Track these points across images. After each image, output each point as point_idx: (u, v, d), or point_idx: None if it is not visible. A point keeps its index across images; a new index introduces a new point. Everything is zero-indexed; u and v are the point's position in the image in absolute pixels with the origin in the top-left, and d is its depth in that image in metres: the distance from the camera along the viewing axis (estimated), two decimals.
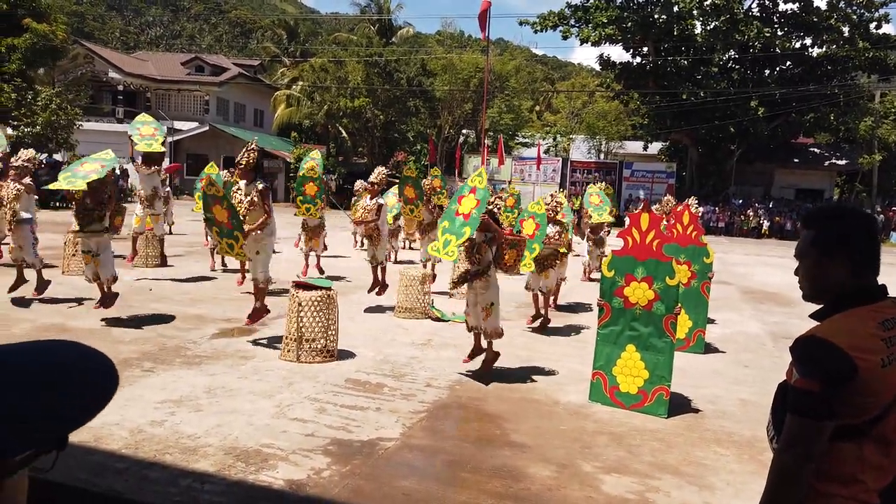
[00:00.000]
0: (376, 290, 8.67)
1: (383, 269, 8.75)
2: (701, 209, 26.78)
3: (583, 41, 29.84)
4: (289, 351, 6.16)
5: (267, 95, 38.95)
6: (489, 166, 29.84)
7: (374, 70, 30.74)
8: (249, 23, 74.24)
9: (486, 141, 29.89)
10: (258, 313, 6.81)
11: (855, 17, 28.17)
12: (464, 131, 33.71)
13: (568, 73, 70.84)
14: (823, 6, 28.66)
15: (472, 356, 6.20)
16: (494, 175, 30.77)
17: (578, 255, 12.72)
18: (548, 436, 4.71)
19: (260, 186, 6.73)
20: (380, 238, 8.56)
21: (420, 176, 30.02)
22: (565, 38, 30.67)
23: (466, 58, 32.63)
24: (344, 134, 32.52)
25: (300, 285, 6.48)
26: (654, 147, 34.72)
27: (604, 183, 12.57)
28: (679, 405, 5.43)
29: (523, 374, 6.17)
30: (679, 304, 5.45)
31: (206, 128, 33.31)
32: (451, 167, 30.88)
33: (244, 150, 6.89)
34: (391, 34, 36.60)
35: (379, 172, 8.69)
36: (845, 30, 28.28)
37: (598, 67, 35.23)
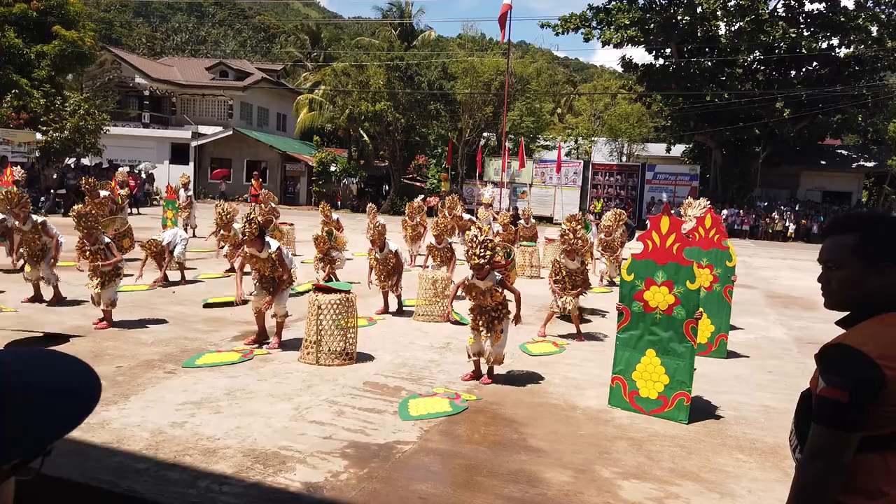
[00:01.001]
0: (384, 311, 8.69)
1: (398, 297, 8.76)
2: (725, 212, 26.45)
3: (605, 43, 29.66)
4: (308, 353, 6.20)
5: (290, 99, 39.32)
6: (510, 169, 29.80)
7: (396, 74, 30.87)
8: (273, 28, 74.98)
9: (506, 144, 29.85)
10: (277, 337, 6.80)
11: (883, 16, 27.60)
12: (485, 134, 33.63)
13: (590, 75, 70.51)
14: (851, 6, 28.15)
15: (474, 376, 5.99)
16: (515, 178, 30.72)
17: (598, 259, 12.61)
18: (565, 441, 4.68)
19: (274, 251, 6.51)
20: (397, 275, 8.59)
21: (446, 182, 30.03)
22: (587, 40, 30.55)
23: (487, 61, 32.57)
24: (365, 137, 32.68)
25: (320, 288, 6.52)
26: (678, 149, 34.35)
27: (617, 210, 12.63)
28: (700, 411, 5.36)
29: (541, 379, 6.14)
30: (700, 309, 5.38)
31: (230, 132, 33.72)
32: (473, 170, 30.87)
33: (244, 223, 6.57)
34: (413, 38, 36.75)
35: (376, 227, 8.39)
36: (873, 29, 27.69)
37: (620, 69, 35.01)
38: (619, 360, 5.48)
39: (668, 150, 33.86)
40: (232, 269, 11.45)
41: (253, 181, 23.72)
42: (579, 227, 9.55)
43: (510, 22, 24.66)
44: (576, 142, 36.73)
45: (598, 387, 5.78)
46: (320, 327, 6.16)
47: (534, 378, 6.14)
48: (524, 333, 7.72)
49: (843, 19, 27.70)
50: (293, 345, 6.64)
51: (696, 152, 33.43)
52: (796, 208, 28.06)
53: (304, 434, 4.52)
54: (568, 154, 34.90)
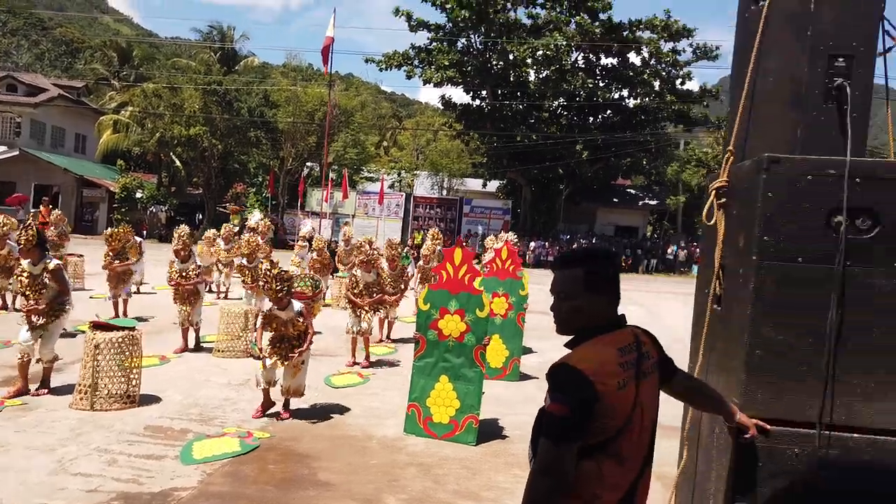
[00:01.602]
0: (183, 349, 8.13)
1: (197, 331, 8.26)
2: (532, 244, 28.43)
3: (426, 82, 30.82)
4: (81, 399, 5.61)
5: (91, 119, 36.02)
6: (333, 199, 29.67)
7: (213, 98, 29.63)
8: (77, 42, 68.53)
9: (330, 174, 29.75)
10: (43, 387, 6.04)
11: (664, 73, 31.61)
12: (308, 164, 33.30)
13: (415, 110, 72.72)
14: (638, 63, 31.93)
15: (264, 410, 5.79)
16: (338, 208, 30.63)
17: (413, 289, 12.90)
18: (358, 472, 4.67)
19: (51, 266, 5.97)
20: (198, 299, 8.16)
21: (261, 207, 29.11)
22: (409, 77, 31.51)
23: (311, 91, 32.46)
24: (177, 163, 30.84)
25: (98, 326, 5.97)
26: (493, 185, 36.44)
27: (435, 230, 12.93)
28: (489, 432, 5.63)
29: (344, 410, 6.10)
30: (488, 336, 5.71)
31: (16, 152, 30.05)
32: (294, 200, 30.30)
33: (20, 229, 6.10)
34: (234, 63, 35.61)
35: (180, 236, 8.17)
36: (656, 84, 31.60)
37: (441, 107, 36.52)
38: (415, 387, 5.62)
39: (485, 185, 35.79)
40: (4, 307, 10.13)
41: (41, 207, 21.28)
42: (395, 252, 9.77)
43: (332, 55, 24.82)
44: (399, 175, 37.58)
45: (397, 415, 5.86)
46: (97, 368, 5.62)
47: (335, 410, 6.09)
48: (329, 365, 7.66)
49: (631, 74, 31.32)
50: (66, 390, 5.97)
51: (509, 188, 35.67)
52: (593, 241, 30.91)
53: (63, 489, 4.07)
54: (391, 186, 35.59)
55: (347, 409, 6.14)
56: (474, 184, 37.09)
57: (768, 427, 2.54)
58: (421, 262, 12.02)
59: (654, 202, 35.13)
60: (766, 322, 2.59)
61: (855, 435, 2.58)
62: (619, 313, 2.07)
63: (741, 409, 2.53)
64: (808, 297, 2.55)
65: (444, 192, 36.66)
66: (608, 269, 2.05)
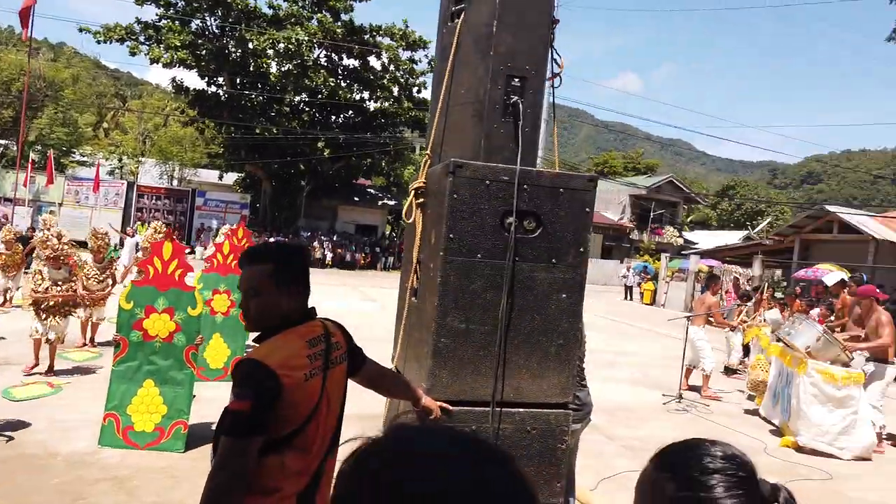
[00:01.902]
0: None
1: None
2: (272, 240, 27.74)
3: (153, 61, 28.13)
4: None
5: None
6: (34, 184, 25.63)
7: None
8: None
9: (31, 155, 25.63)
10: None
11: (402, 80, 33.04)
12: (2, 142, 28.24)
13: (143, 91, 66.22)
14: (379, 67, 32.91)
15: None
16: (41, 196, 26.55)
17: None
18: (33, 494, 4.07)
19: None
20: None
21: None
22: (133, 54, 28.46)
23: (7, 57, 27.66)
24: None
25: None
26: (230, 177, 34.70)
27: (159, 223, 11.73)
28: (202, 437, 5.30)
29: (23, 426, 5.28)
30: (201, 335, 5.40)
31: None
32: None
33: None
34: None
35: None
36: (395, 90, 32.88)
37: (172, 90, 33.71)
38: (114, 394, 5.08)
39: (221, 177, 33.95)
40: None
41: None
42: (102, 243, 8.70)
43: (33, 17, 21.37)
44: (120, 160, 33.85)
45: (93, 426, 5.23)
46: None
47: (10, 427, 5.23)
48: (12, 376, 6.59)
49: (372, 77, 32.18)
50: None
51: (248, 182, 34.29)
52: (334, 238, 31.20)
53: None
54: (111, 173, 31.90)
55: (28, 425, 5.32)
56: (209, 175, 34.95)
57: (451, 408, 2.77)
58: (140, 254, 11.04)
59: (392, 202, 36.58)
60: (450, 312, 2.82)
61: (521, 410, 2.94)
62: (310, 306, 2.09)
63: (429, 393, 2.72)
64: (485, 289, 2.84)
65: (175, 183, 33.92)
66: (297, 263, 2.07)
